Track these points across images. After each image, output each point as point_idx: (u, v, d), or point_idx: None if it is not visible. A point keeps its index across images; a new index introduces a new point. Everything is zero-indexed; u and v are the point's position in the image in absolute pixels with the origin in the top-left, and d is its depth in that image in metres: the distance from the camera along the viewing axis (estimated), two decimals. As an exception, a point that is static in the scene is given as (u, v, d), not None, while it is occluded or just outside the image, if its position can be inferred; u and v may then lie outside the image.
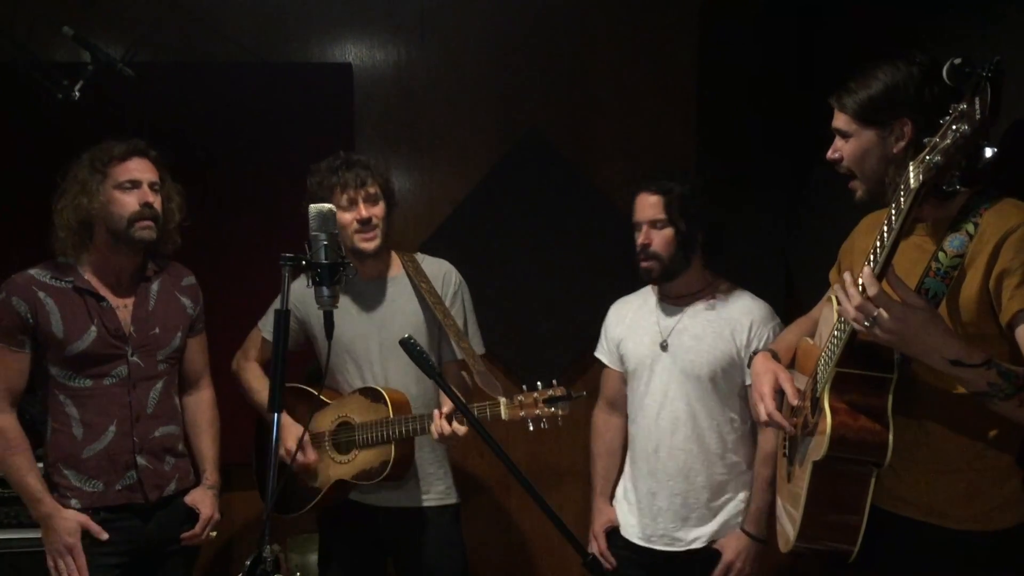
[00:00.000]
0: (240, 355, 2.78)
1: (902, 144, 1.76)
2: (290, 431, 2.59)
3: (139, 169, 2.41)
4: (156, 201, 2.42)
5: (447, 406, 2.42)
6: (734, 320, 2.51)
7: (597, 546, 2.71)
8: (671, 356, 2.54)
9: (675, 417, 2.53)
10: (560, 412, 2.39)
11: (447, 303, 2.65)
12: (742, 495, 2.55)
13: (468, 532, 2.79)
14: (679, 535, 2.56)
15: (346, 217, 2.54)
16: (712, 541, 2.54)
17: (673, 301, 2.60)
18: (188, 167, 2.62)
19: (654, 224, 2.49)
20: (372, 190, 2.57)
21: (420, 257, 2.73)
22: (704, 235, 2.51)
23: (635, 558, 2.64)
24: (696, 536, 2.55)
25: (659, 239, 2.49)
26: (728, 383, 2.52)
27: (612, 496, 2.76)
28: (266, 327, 2.73)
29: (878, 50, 1.83)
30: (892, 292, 1.60)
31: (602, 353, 2.79)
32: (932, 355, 1.61)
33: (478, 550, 3.28)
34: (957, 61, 1.43)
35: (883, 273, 1.61)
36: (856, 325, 1.64)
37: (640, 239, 2.52)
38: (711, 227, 2.52)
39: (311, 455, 2.61)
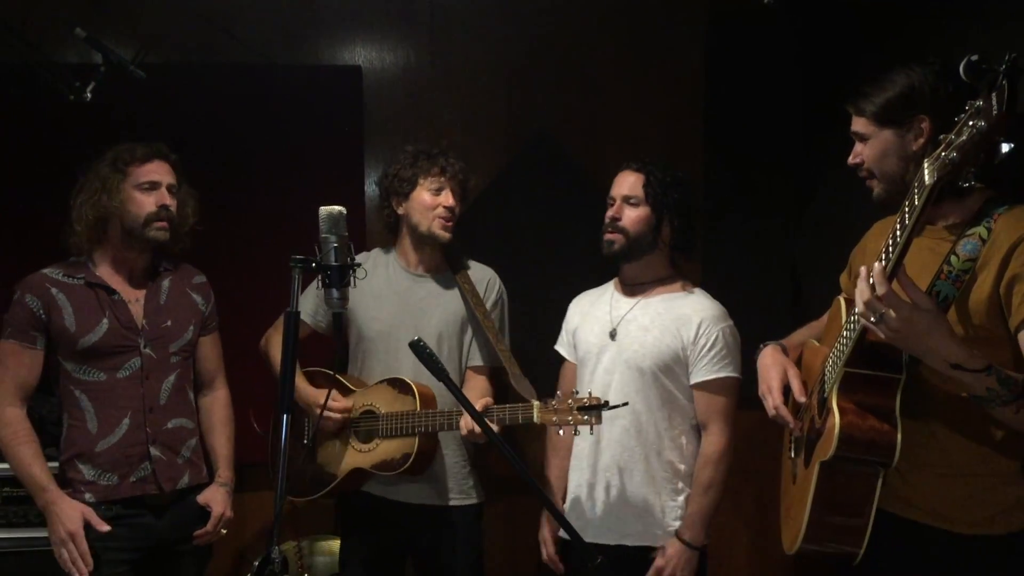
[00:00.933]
0: (272, 331, 2.80)
1: (921, 141, 1.78)
2: (318, 395, 2.61)
3: (159, 171, 2.47)
4: (173, 203, 2.48)
5: (478, 405, 2.43)
6: (684, 316, 2.49)
7: (546, 551, 2.66)
8: (618, 345, 2.53)
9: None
10: (593, 421, 2.35)
11: (488, 307, 2.68)
12: (680, 499, 2.50)
13: (487, 532, 2.79)
14: (612, 528, 2.51)
15: (429, 200, 2.63)
16: (646, 544, 2.49)
17: (629, 289, 2.60)
18: (197, 168, 2.64)
19: (628, 199, 2.53)
20: (460, 186, 2.67)
21: (465, 259, 2.77)
22: (676, 226, 2.52)
23: (572, 559, 2.59)
24: (629, 532, 2.50)
25: (630, 215, 2.52)
26: (671, 379, 2.49)
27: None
28: (304, 308, 2.71)
29: (886, 52, 1.84)
30: (902, 291, 1.60)
31: (561, 345, 2.78)
32: (933, 357, 1.62)
33: (504, 550, 3.28)
34: (974, 58, 1.43)
35: (895, 272, 1.61)
36: (863, 320, 1.64)
37: (611, 212, 2.56)
38: (684, 220, 2.53)
39: (345, 402, 2.62)
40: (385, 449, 2.57)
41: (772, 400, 2.00)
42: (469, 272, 2.72)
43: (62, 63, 2.65)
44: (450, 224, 2.65)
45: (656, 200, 2.50)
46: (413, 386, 2.56)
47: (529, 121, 3.42)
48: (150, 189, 2.45)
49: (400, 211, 2.68)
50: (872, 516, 1.77)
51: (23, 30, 2.57)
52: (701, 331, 2.47)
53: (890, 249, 1.62)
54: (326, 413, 2.58)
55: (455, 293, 2.69)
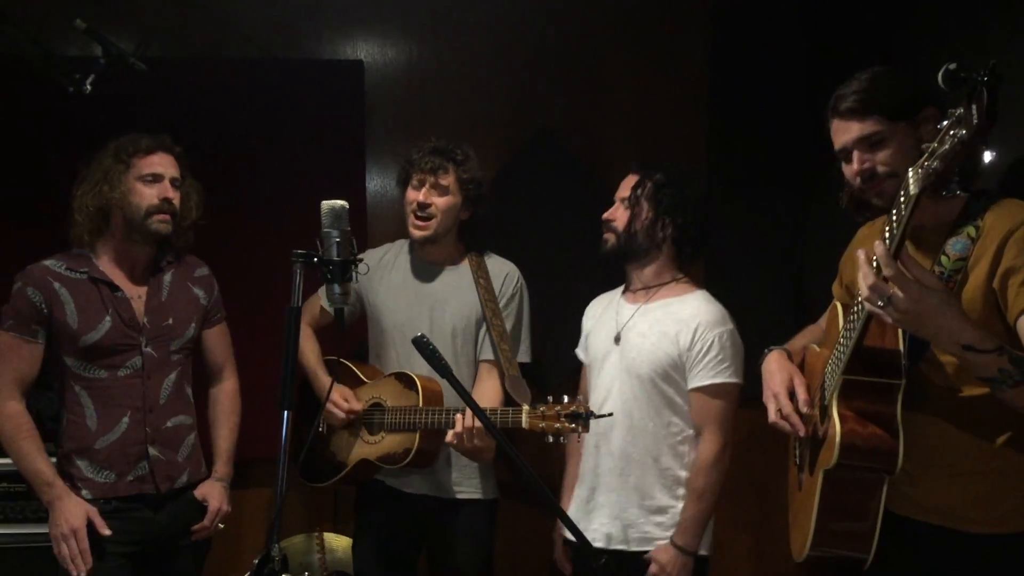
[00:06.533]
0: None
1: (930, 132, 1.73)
2: (336, 389, 2.63)
3: (162, 164, 2.46)
4: (175, 197, 2.47)
5: (458, 423, 2.41)
6: (681, 321, 2.45)
7: (556, 551, 2.68)
8: (620, 351, 2.52)
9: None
10: (580, 429, 2.32)
11: (501, 303, 2.65)
12: (679, 505, 2.47)
13: (506, 529, 2.76)
14: (612, 533, 2.48)
15: (409, 195, 2.63)
16: (642, 549, 2.46)
17: (633, 295, 2.59)
18: (198, 162, 2.62)
19: (623, 200, 2.54)
20: (445, 181, 2.61)
21: (488, 254, 2.75)
22: (674, 229, 2.49)
23: (580, 560, 2.59)
24: (629, 537, 2.47)
25: (621, 215, 2.53)
26: (671, 385, 2.46)
27: None
28: (324, 296, 2.69)
29: (893, 49, 1.81)
30: (907, 272, 1.57)
31: (579, 349, 2.76)
32: (944, 339, 1.58)
33: (515, 547, 3.24)
34: (952, 66, 1.40)
35: (898, 253, 1.57)
36: (868, 305, 1.61)
37: (606, 213, 2.58)
38: (687, 224, 2.49)
39: (355, 404, 2.62)
40: (389, 442, 2.57)
41: (779, 405, 1.96)
42: (488, 264, 2.69)
43: (62, 55, 2.63)
44: (424, 222, 2.60)
45: (647, 200, 2.49)
46: (417, 382, 2.54)
47: (532, 117, 3.40)
48: (153, 181, 2.43)
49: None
50: (879, 522, 1.76)
51: (23, 21, 2.55)
52: (697, 336, 2.42)
53: (887, 240, 1.59)
54: (331, 408, 2.59)
55: (471, 286, 2.66)
